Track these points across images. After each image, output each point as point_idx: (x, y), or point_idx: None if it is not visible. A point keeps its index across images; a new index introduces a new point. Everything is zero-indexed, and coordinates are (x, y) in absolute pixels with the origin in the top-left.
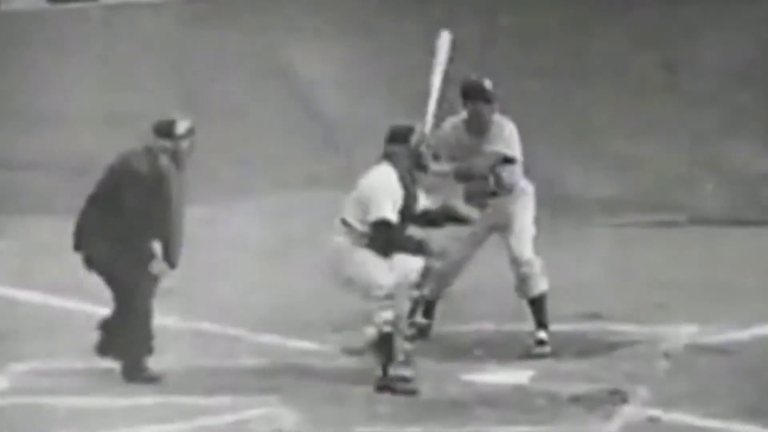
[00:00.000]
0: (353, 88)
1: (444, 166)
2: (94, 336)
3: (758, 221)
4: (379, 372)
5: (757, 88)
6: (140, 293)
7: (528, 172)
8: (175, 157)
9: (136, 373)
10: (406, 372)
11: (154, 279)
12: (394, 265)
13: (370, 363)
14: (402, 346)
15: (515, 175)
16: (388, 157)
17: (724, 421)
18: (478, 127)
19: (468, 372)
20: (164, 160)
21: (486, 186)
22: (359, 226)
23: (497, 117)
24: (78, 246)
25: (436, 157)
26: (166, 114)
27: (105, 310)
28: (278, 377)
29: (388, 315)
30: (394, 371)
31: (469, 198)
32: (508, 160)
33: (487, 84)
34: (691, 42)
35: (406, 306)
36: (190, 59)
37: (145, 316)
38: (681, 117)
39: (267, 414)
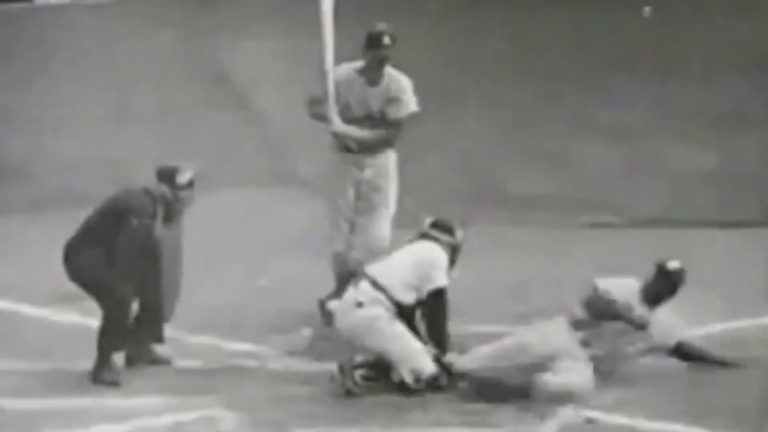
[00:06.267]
0: (294, 89)
1: (350, 132)
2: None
3: (695, 222)
4: (354, 360)
5: (692, 86)
6: (116, 299)
7: (464, 171)
8: (172, 205)
9: (97, 375)
10: (360, 381)
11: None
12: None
13: (310, 365)
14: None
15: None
16: (435, 240)
17: (661, 422)
18: (371, 77)
19: None
20: (159, 207)
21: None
22: (403, 296)
23: (390, 70)
24: (64, 262)
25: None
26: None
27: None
28: (216, 379)
29: (414, 376)
30: (355, 375)
31: (343, 149)
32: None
33: (386, 39)
34: (624, 42)
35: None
36: (127, 61)
37: (121, 323)
38: (617, 116)
39: (206, 415)
